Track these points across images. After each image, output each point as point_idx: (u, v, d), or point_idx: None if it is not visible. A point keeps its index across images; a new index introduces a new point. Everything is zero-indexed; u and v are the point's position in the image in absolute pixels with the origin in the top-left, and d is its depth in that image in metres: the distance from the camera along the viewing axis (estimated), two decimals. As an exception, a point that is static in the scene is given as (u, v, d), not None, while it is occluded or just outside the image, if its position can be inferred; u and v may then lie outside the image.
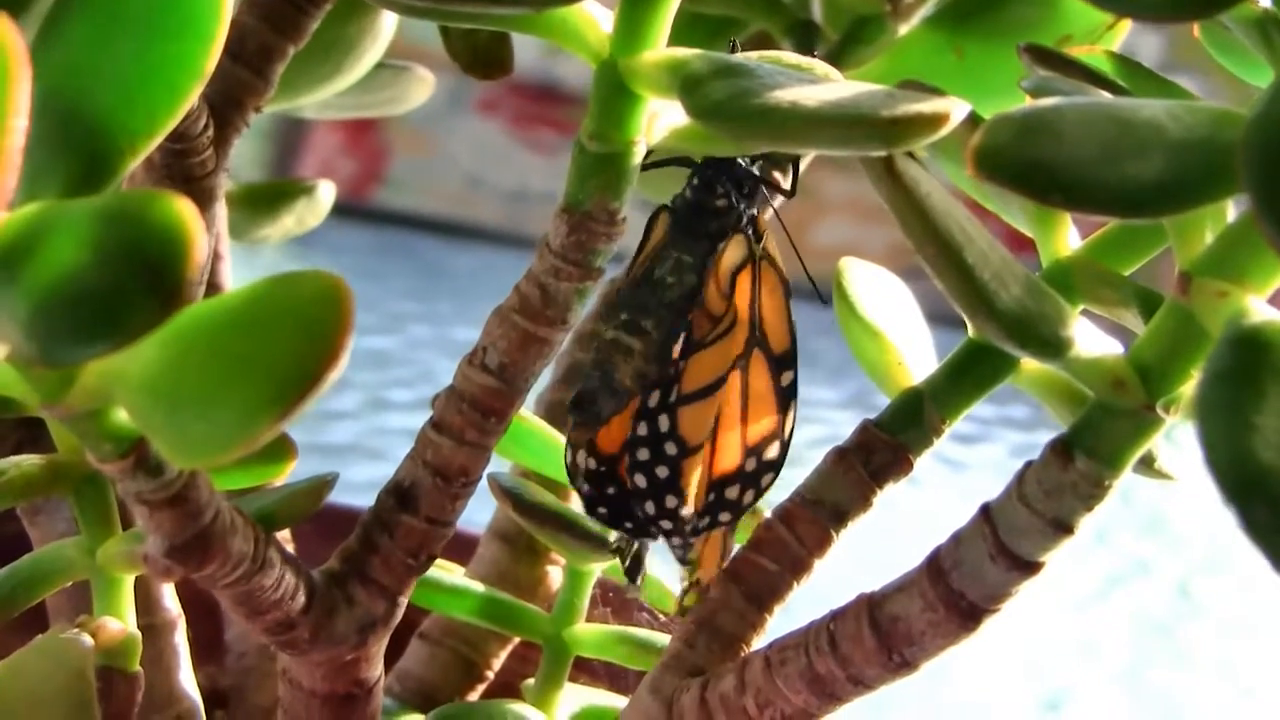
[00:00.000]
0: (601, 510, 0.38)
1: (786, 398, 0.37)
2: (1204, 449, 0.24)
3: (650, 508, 0.37)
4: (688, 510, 0.37)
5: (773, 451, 0.37)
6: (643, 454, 0.37)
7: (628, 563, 0.40)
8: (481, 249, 1.69)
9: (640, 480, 0.37)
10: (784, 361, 0.37)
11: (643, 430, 0.37)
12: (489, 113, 1.76)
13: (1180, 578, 1.12)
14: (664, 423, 0.37)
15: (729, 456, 0.37)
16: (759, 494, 0.37)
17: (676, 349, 0.36)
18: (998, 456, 1.24)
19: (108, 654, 0.35)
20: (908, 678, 0.34)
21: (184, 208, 0.22)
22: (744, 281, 0.37)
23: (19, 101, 0.22)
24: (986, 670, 0.92)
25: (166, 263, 0.21)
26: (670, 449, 0.37)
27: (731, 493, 0.37)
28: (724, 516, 0.37)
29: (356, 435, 1.12)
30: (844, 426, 0.37)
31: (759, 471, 0.37)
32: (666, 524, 0.37)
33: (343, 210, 1.69)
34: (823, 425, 1.04)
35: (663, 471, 0.37)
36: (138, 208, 0.22)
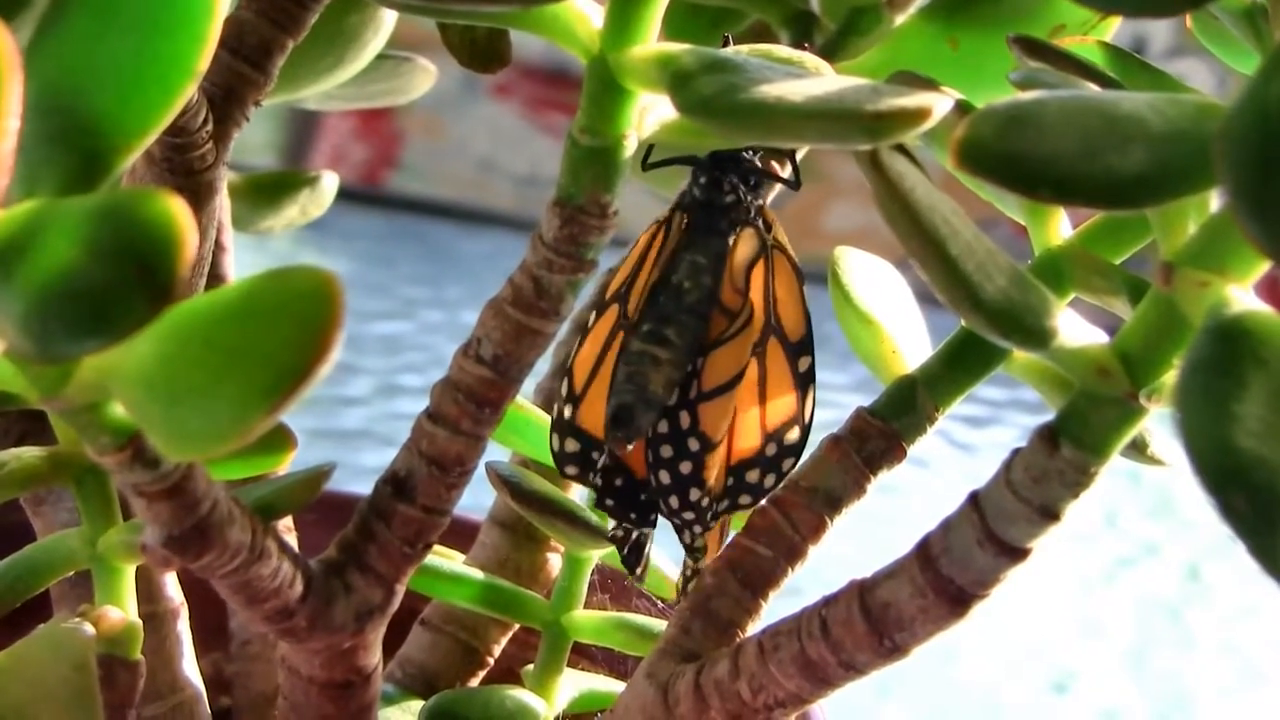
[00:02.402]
0: (609, 502, 0.39)
1: (805, 383, 0.37)
2: (1184, 438, 0.24)
3: (674, 502, 0.37)
4: (708, 500, 0.38)
5: (793, 436, 0.37)
6: (666, 451, 0.37)
7: (625, 551, 0.40)
8: (493, 234, 1.69)
9: (665, 477, 0.37)
10: (800, 348, 0.37)
11: (663, 428, 0.37)
12: (502, 97, 1.76)
13: (1188, 561, 1.12)
14: (685, 419, 0.37)
15: (747, 441, 0.38)
16: (780, 478, 0.37)
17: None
18: (1008, 439, 1.24)
19: (109, 643, 0.36)
20: (901, 661, 0.34)
21: (176, 206, 0.22)
22: (758, 275, 0.37)
23: (11, 104, 0.22)
24: (995, 651, 0.93)
25: (158, 260, 0.22)
26: (693, 445, 0.37)
27: (752, 476, 0.37)
28: (744, 500, 0.38)
29: (368, 420, 1.12)
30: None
31: (780, 456, 0.37)
32: (689, 515, 0.38)
33: (356, 196, 1.69)
34: (834, 409, 1.04)
35: (686, 467, 0.37)
36: (130, 206, 0.22)
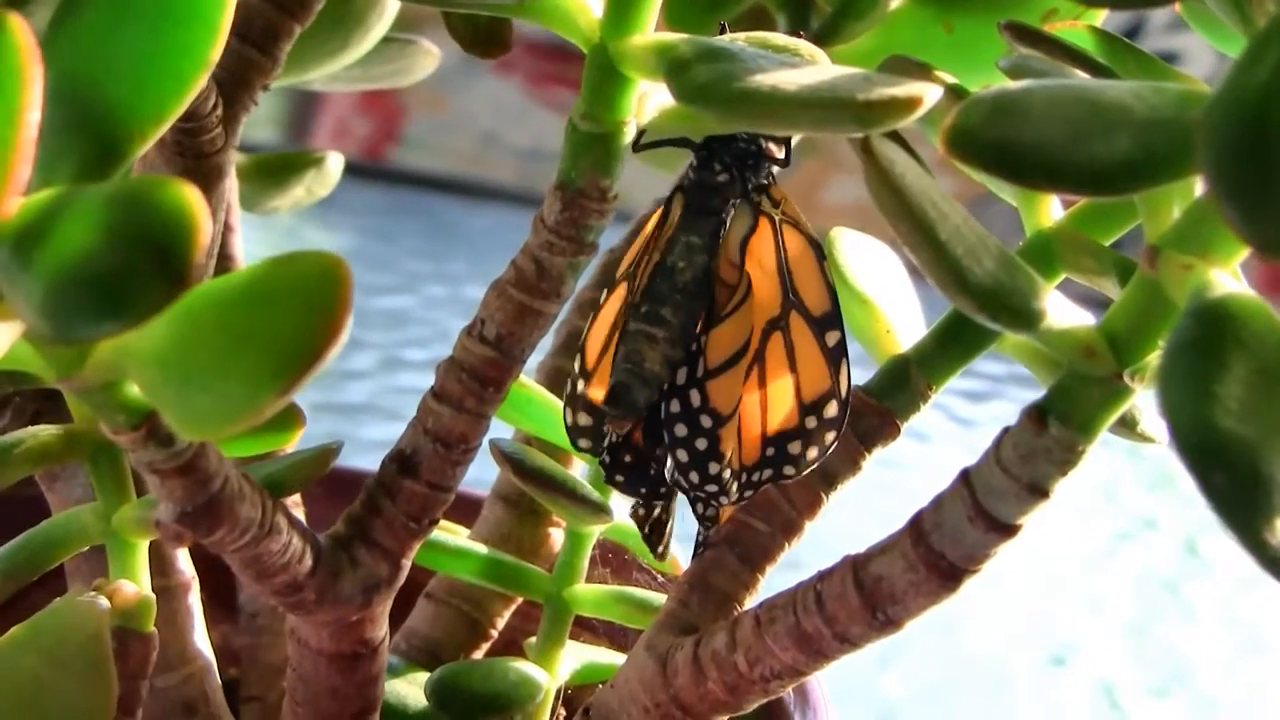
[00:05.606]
0: (618, 478, 0.39)
1: (836, 357, 0.37)
2: (1166, 417, 0.25)
3: (695, 478, 0.38)
4: (728, 473, 0.38)
5: (832, 410, 0.37)
6: (680, 430, 0.38)
7: (647, 530, 0.40)
8: (496, 208, 1.69)
9: (682, 455, 0.38)
10: (825, 322, 0.37)
11: (675, 407, 0.37)
12: (504, 72, 1.76)
13: (1187, 535, 1.12)
14: (695, 397, 0.37)
15: (781, 414, 0.37)
16: (823, 451, 0.37)
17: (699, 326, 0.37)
18: (1007, 414, 1.24)
19: (123, 615, 0.36)
20: (895, 633, 0.35)
21: (190, 193, 0.22)
22: (759, 248, 0.37)
23: (32, 97, 0.23)
24: (995, 623, 0.93)
25: (173, 246, 0.22)
26: (706, 422, 0.37)
27: (794, 448, 0.37)
28: (788, 470, 0.37)
29: (371, 395, 1.13)
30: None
31: (820, 429, 0.37)
32: (712, 488, 0.38)
33: (359, 170, 1.69)
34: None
35: (702, 444, 0.37)
36: (146, 193, 0.23)
